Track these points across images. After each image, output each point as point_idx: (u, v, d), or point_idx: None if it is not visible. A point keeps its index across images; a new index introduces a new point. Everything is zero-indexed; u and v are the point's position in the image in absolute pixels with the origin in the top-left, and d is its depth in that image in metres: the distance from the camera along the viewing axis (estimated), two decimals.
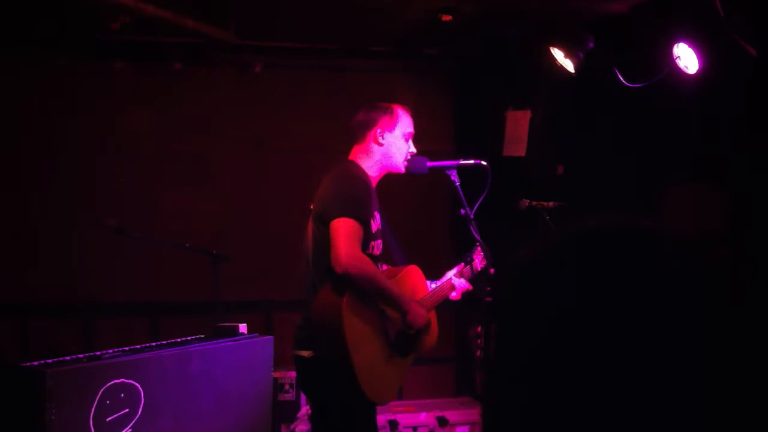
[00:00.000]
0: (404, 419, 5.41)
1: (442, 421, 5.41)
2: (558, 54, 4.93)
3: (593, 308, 0.75)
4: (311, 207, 3.64)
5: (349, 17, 5.53)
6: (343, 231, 3.38)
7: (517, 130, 5.92)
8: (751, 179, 4.33)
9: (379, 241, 3.66)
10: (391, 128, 3.74)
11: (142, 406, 3.55)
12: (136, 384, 3.53)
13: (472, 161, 3.87)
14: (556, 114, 5.76)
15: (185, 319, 5.80)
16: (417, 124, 6.64)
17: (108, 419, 3.42)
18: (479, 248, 3.98)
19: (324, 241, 3.46)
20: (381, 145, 3.72)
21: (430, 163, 3.87)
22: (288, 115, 6.48)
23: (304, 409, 5.36)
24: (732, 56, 4.08)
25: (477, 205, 3.81)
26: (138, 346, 3.78)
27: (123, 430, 3.48)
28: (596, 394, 0.72)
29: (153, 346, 3.84)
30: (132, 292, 6.13)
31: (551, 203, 4.23)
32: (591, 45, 4.84)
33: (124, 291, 6.12)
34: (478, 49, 6.16)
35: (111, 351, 3.62)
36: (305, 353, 3.51)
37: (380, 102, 3.84)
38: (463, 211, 3.81)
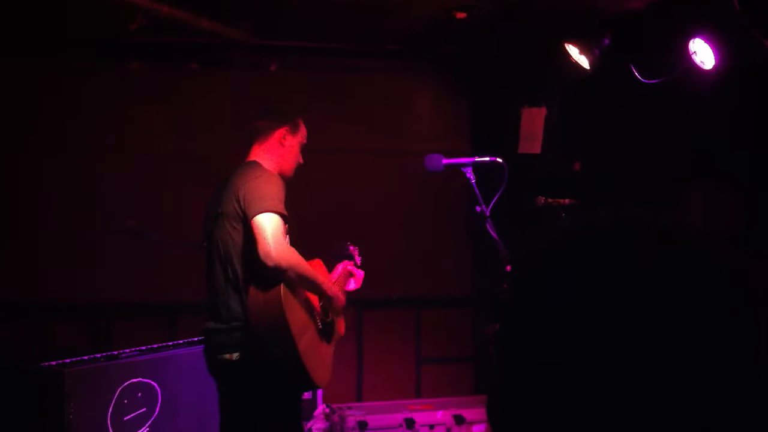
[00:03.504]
0: (421, 418, 5.40)
1: (459, 420, 5.40)
2: (573, 51, 4.91)
3: (596, 307, 0.75)
4: (219, 211, 3.66)
5: (363, 16, 5.53)
6: (269, 226, 3.43)
7: (533, 127, 5.90)
8: (759, 177, 4.30)
9: (287, 235, 3.72)
10: (294, 135, 3.88)
11: (159, 404, 3.57)
12: (154, 383, 3.55)
13: (487, 158, 3.86)
14: (572, 111, 5.74)
15: (201, 319, 5.82)
16: (433, 123, 6.67)
17: (126, 418, 3.44)
18: (350, 246, 4.35)
19: (245, 240, 3.50)
20: (282, 146, 3.84)
21: (445, 161, 3.88)
22: (303, 115, 6.48)
23: (321, 408, 5.36)
24: (749, 52, 4.04)
25: (493, 202, 3.80)
26: (155, 346, 3.80)
27: (140, 429, 3.50)
28: (598, 393, 0.72)
29: (169, 345, 3.87)
30: (150, 292, 6.15)
31: (567, 200, 4.21)
32: (606, 42, 4.81)
33: (141, 291, 6.14)
34: (494, 46, 6.14)
35: (128, 351, 3.64)
36: (233, 356, 3.51)
37: (284, 108, 4.02)
38: (478, 209, 3.81)
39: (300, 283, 3.57)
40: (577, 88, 5.43)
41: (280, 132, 3.83)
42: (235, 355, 3.52)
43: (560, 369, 0.74)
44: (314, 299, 3.80)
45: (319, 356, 3.70)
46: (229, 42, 5.73)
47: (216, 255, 3.66)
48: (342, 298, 3.93)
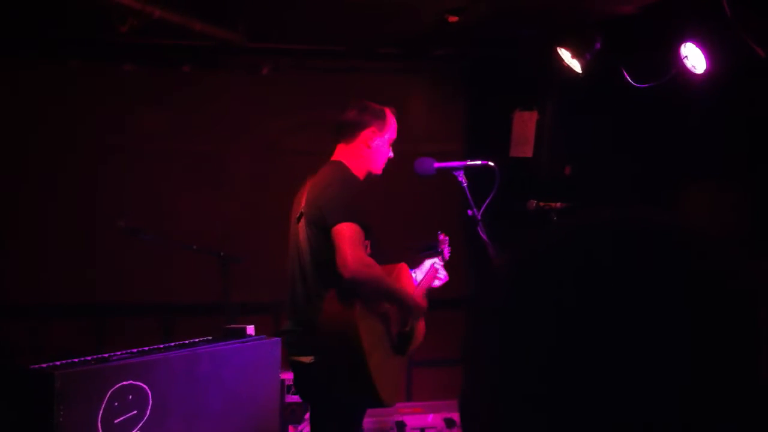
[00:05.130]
0: (412, 421, 5.41)
1: (450, 423, 5.41)
2: (565, 54, 4.92)
3: (595, 309, 0.74)
4: (301, 210, 3.60)
5: (359, 19, 5.53)
6: (348, 236, 3.36)
7: (524, 131, 5.92)
8: (761, 178, 4.32)
9: (369, 241, 3.67)
10: (382, 133, 3.72)
11: (150, 408, 3.55)
12: (144, 386, 3.54)
13: (479, 162, 3.86)
14: (564, 114, 5.75)
15: (197, 321, 5.82)
16: (428, 125, 6.67)
17: (116, 421, 3.43)
18: (442, 236, 4.11)
19: (323, 247, 3.43)
20: (369, 148, 3.70)
21: (437, 164, 3.88)
22: (298, 118, 6.49)
23: None
24: (740, 56, 4.06)
25: (484, 206, 3.80)
26: (146, 348, 3.79)
27: None
28: (601, 396, 0.72)
29: (161, 348, 3.85)
30: (144, 293, 6.15)
31: (559, 204, 4.22)
32: (598, 45, 4.83)
33: (136, 292, 6.14)
34: (489, 50, 6.15)
35: (119, 353, 3.63)
36: (305, 359, 3.49)
37: (372, 103, 3.79)
38: (470, 212, 3.81)
39: (378, 295, 3.48)
40: (570, 91, 5.44)
41: (367, 133, 3.69)
42: (308, 359, 3.49)
43: (557, 369, 0.74)
44: (393, 309, 3.68)
45: (389, 372, 3.57)
46: (222, 45, 5.73)
47: (296, 256, 3.59)
48: (424, 304, 3.75)
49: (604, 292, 0.75)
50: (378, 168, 3.75)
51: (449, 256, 4.12)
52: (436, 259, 4.05)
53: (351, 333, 3.33)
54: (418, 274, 3.98)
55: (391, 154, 3.79)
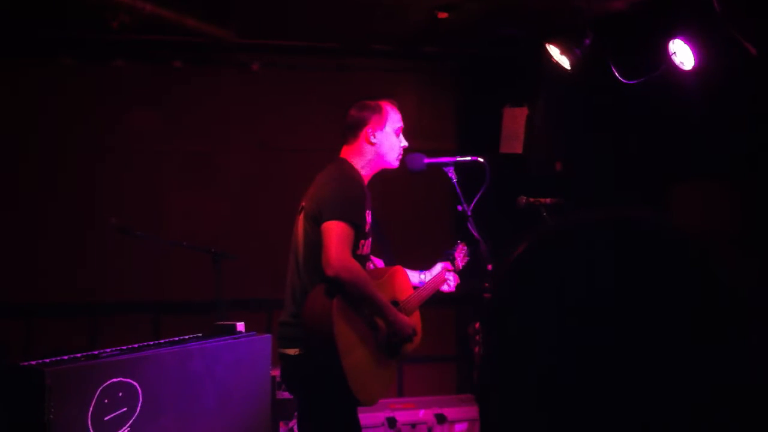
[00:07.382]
0: (402, 416, 5.41)
1: (441, 419, 5.41)
2: (554, 51, 4.93)
3: (595, 309, 0.74)
4: (302, 204, 3.64)
5: (351, 16, 5.53)
6: (336, 234, 3.39)
7: (514, 127, 5.92)
8: (750, 177, 4.33)
9: (369, 240, 3.67)
10: (381, 127, 3.74)
11: (140, 404, 3.55)
12: (134, 383, 3.54)
13: (469, 158, 3.88)
14: (554, 110, 5.76)
15: (188, 318, 5.82)
16: (419, 123, 6.68)
17: (106, 418, 3.43)
18: (460, 245, 4.10)
19: (316, 242, 3.46)
20: (373, 144, 3.72)
21: (427, 160, 3.89)
22: (290, 115, 6.48)
23: None
24: (729, 53, 4.07)
25: (474, 201, 3.81)
26: (136, 345, 3.78)
27: (121, 429, 3.48)
28: (601, 397, 0.72)
29: (151, 344, 3.84)
30: (136, 291, 6.15)
31: (549, 200, 4.22)
32: (587, 42, 4.83)
33: (128, 290, 6.14)
34: (480, 47, 6.16)
35: (109, 350, 3.62)
36: (292, 351, 3.51)
37: (368, 101, 3.82)
38: (460, 208, 3.82)
39: (359, 299, 3.46)
40: (559, 87, 5.45)
41: (366, 130, 3.72)
42: (294, 351, 3.50)
43: (558, 369, 0.74)
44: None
45: (372, 372, 3.56)
46: (214, 41, 5.72)
47: (293, 249, 3.64)
48: (405, 324, 3.65)
49: (604, 292, 0.75)
50: (389, 161, 3.78)
51: (463, 265, 4.13)
52: (446, 264, 4.08)
53: (325, 330, 3.34)
54: (427, 276, 3.99)
55: (404, 143, 3.81)
